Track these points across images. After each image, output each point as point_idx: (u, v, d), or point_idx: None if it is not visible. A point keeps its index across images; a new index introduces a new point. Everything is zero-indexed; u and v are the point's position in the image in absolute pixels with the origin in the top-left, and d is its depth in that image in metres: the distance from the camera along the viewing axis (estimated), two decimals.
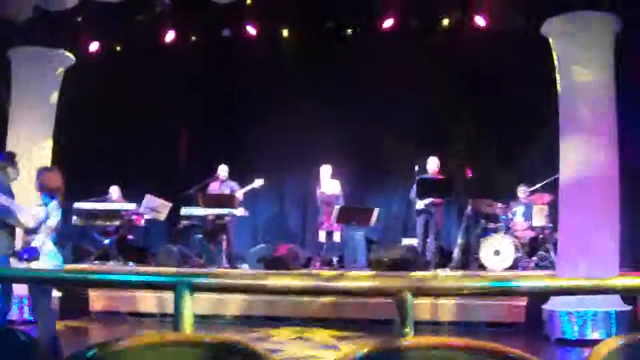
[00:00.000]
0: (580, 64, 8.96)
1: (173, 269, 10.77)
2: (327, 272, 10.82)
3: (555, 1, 9.13)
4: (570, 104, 9.03)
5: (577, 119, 8.95)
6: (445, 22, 11.76)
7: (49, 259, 6.36)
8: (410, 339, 2.67)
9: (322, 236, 11.78)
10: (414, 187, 11.51)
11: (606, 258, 8.42)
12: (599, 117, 8.86)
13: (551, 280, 4.51)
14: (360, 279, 3.52)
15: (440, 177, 11.39)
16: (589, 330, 8.36)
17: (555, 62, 9.23)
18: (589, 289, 3.22)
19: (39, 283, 5.38)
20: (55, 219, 6.50)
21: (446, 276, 10.06)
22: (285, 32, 12.93)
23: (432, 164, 11.64)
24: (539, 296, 8.01)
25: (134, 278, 3.26)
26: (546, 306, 8.81)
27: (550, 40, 9.28)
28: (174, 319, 2.88)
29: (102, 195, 12.33)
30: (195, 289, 2.90)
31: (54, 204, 6.54)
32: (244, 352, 2.43)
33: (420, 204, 11.37)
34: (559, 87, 9.18)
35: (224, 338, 2.50)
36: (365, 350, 2.45)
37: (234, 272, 10.79)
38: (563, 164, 9.09)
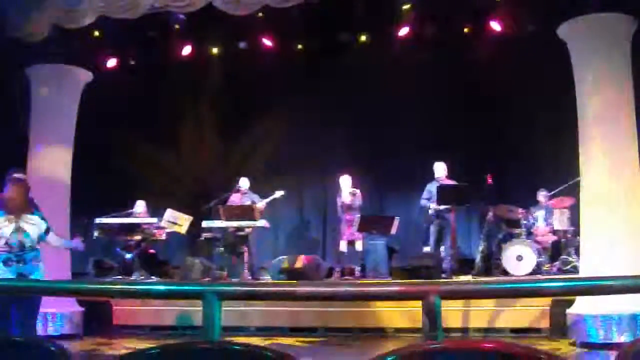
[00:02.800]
0: (598, 66, 8.94)
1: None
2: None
3: (571, 4, 9.11)
4: (589, 106, 8.99)
5: (596, 120, 8.91)
6: (464, 29, 11.80)
7: None
8: (440, 342, 2.66)
9: (343, 246, 11.77)
10: (424, 193, 11.49)
11: (630, 261, 8.35)
12: (618, 118, 8.81)
13: (576, 279, 4.47)
14: (388, 284, 3.51)
15: (462, 183, 11.30)
16: (615, 333, 8.26)
17: (573, 65, 9.20)
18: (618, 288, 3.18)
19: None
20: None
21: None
22: (300, 44, 13.02)
23: (440, 170, 11.60)
24: (566, 296, 7.95)
25: (162, 288, 3.27)
26: (571, 311, 8.72)
27: (567, 43, 9.26)
28: (202, 327, 2.89)
29: (127, 209, 12.36)
30: (223, 297, 2.90)
31: None
32: (274, 358, 2.43)
33: (433, 210, 11.32)
34: (577, 89, 9.14)
35: (253, 344, 2.50)
36: (396, 354, 2.45)
37: (261, 282, 10.79)
38: (583, 167, 9.05)
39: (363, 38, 12.78)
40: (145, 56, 12.52)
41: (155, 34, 11.87)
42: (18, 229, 6.44)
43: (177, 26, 11.68)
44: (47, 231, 6.64)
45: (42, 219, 6.72)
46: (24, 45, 9.93)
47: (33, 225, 6.53)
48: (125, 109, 13.03)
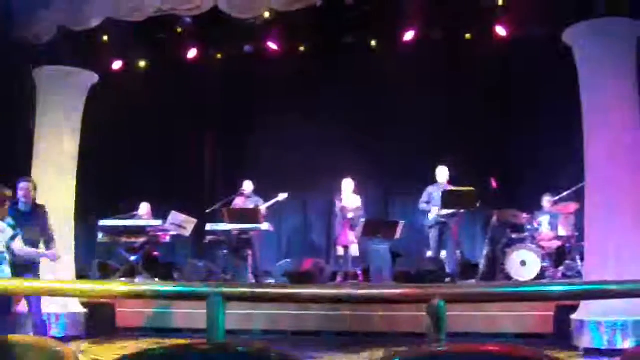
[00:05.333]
0: (603, 71, 8.91)
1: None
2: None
3: (576, 8, 9.09)
4: (594, 110, 8.96)
5: (601, 125, 8.88)
6: (467, 35, 11.81)
7: None
8: (443, 345, 2.66)
9: (340, 250, 11.74)
10: (423, 197, 11.46)
11: (635, 266, 8.32)
12: (623, 123, 8.79)
13: (580, 284, 4.46)
14: (392, 286, 3.51)
15: (466, 188, 11.27)
16: (619, 339, 8.23)
17: (578, 69, 9.18)
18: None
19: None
20: None
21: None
22: (305, 47, 13.03)
23: (443, 175, 11.58)
24: (570, 300, 7.91)
25: (167, 289, 3.27)
26: (575, 316, 8.69)
27: (573, 47, 9.24)
28: (207, 329, 2.89)
29: (131, 212, 12.37)
30: (227, 298, 2.90)
31: None
32: (278, 358, 2.43)
33: (434, 215, 11.29)
34: (581, 94, 9.11)
35: (257, 345, 2.50)
36: (399, 356, 2.45)
37: (265, 284, 10.79)
38: (588, 172, 9.02)
39: (368, 42, 12.79)
40: (151, 59, 12.56)
41: (162, 36, 11.91)
42: None
43: (182, 29, 11.72)
44: (13, 237, 6.83)
45: (11, 226, 6.89)
46: (30, 46, 9.96)
47: None
48: (130, 111, 13.06)
